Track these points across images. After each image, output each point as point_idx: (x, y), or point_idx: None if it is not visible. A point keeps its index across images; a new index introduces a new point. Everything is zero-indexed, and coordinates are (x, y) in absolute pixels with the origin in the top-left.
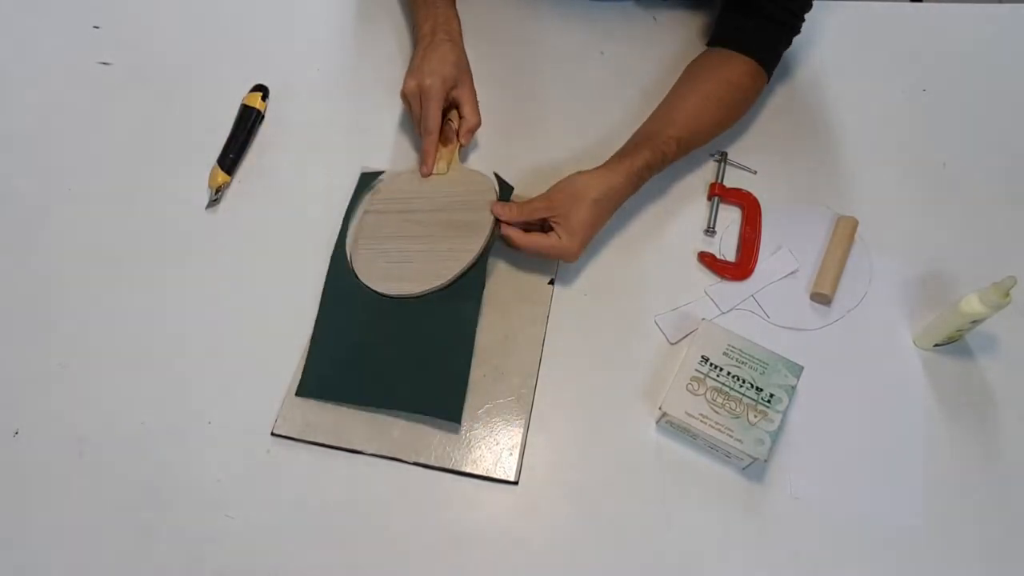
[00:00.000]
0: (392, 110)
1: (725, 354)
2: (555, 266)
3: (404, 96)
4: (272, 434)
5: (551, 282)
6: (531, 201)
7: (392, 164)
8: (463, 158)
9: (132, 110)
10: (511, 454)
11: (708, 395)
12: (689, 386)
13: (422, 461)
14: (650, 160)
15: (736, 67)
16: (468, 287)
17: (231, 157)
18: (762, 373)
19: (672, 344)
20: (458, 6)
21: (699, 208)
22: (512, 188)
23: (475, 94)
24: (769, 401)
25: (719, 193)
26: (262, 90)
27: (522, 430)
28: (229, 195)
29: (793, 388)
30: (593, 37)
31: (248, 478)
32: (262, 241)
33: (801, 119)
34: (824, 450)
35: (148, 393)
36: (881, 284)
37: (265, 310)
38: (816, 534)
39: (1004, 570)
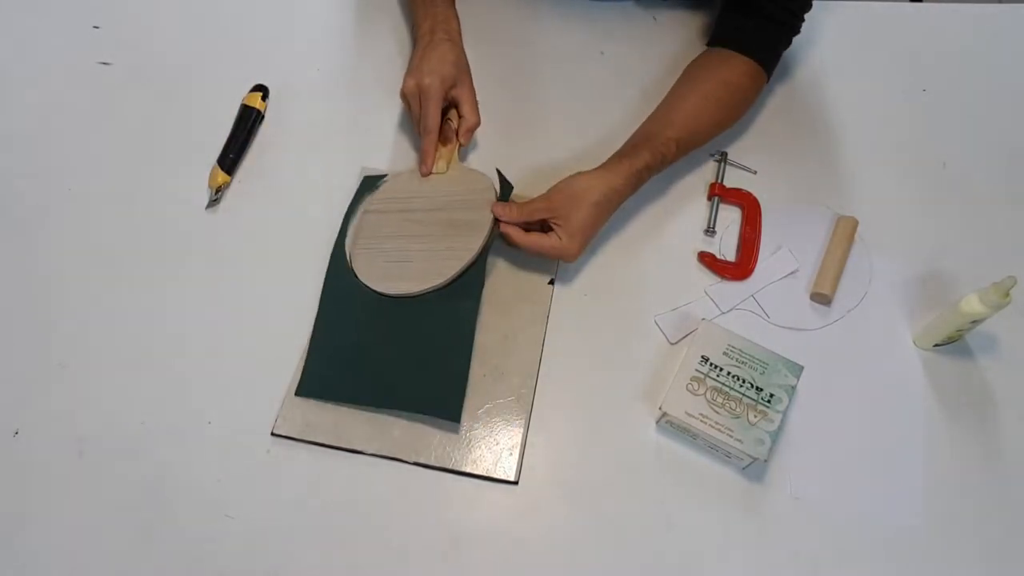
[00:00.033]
0: (392, 110)
1: (725, 354)
2: (555, 266)
3: (403, 96)
4: (272, 434)
5: (551, 282)
6: (531, 202)
7: (392, 164)
8: (463, 157)
9: (132, 110)
10: (511, 454)
11: (708, 395)
12: (689, 386)
13: (422, 461)
14: (650, 161)
15: (736, 67)
16: (467, 286)
17: (231, 157)
18: (762, 373)
19: (672, 344)
20: (458, 6)
21: (699, 208)
22: (512, 187)
23: (474, 93)
24: (769, 401)
25: (719, 193)
26: (262, 90)
27: (522, 430)
28: (229, 195)
29: (793, 388)
30: (593, 37)
31: (248, 478)
32: (262, 241)
33: (801, 119)
34: (824, 450)
35: (148, 393)
36: (881, 284)
37: (265, 310)
38: (816, 534)
39: (1004, 570)
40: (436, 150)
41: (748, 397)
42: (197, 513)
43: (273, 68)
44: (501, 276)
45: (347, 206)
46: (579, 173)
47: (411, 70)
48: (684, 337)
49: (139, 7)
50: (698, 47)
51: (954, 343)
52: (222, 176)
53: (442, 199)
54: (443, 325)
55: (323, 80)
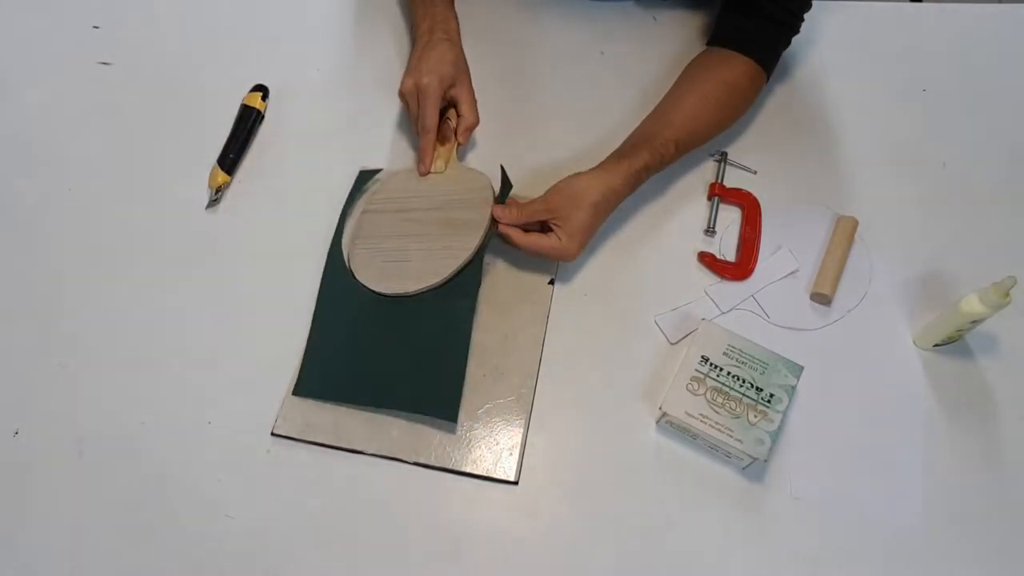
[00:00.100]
0: (391, 110)
1: (725, 354)
2: (555, 266)
3: (402, 95)
4: (272, 434)
5: (551, 282)
6: (530, 203)
7: (391, 163)
8: (461, 157)
9: (132, 110)
10: (511, 454)
11: (708, 395)
12: (689, 386)
13: (422, 461)
14: (648, 161)
15: (735, 67)
16: (464, 285)
17: (231, 157)
18: (762, 373)
19: (672, 344)
20: (458, 6)
21: (699, 208)
22: (512, 186)
23: (473, 93)
24: (769, 401)
25: (719, 193)
26: (262, 90)
27: (522, 430)
28: (229, 195)
29: (793, 388)
30: (593, 37)
31: (248, 478)
32: (262, 241)
33: (801, 119)
34: (824, 450)
35: (148, 393)
36: (881, 284)
37: (265, 310)
38: (816, 534)
39: (1004, 570)
40: (434, 149)
41: (748, 397)
42: (197, 513)
43: (273, 68)
44: (501, 276)
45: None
46: (577, 173)
47: (410, 69)
48: (684, 337)
49: (139, 7)
50: (698, 47)
51: (954, 343)
52: (222, 176)
53: (440, 198)
54: (440, 324)
55: (323, 80)
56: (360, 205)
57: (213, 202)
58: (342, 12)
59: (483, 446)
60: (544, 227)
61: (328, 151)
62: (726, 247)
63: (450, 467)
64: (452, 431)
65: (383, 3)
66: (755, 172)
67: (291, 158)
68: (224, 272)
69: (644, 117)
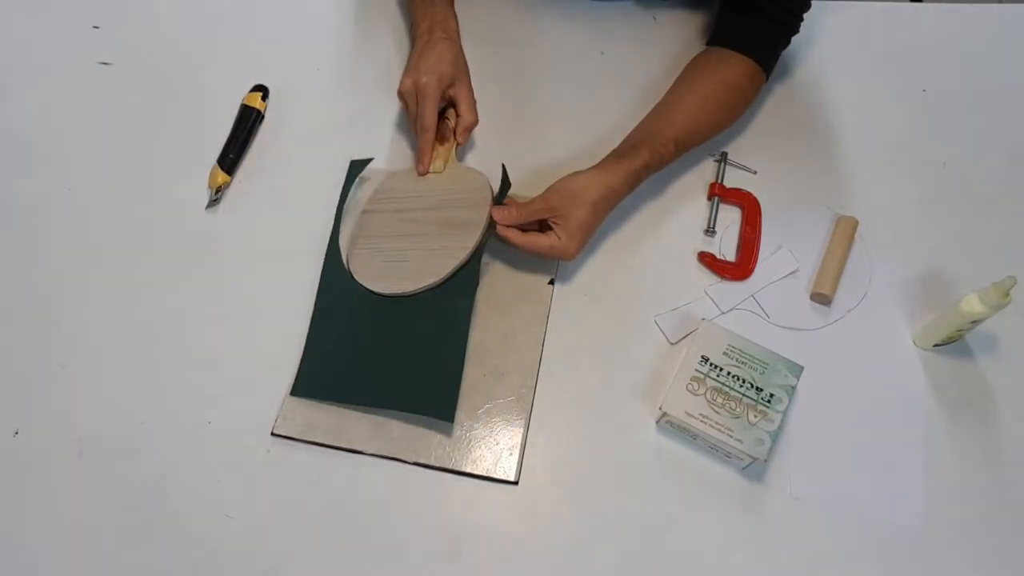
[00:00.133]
0: (391, 110)
1: (725, 354)
2: (555, 266)
3: (401, 94)
4: (272, 434)
5: (551, 282)
6: (529, 202)
7: (390, 163)
8: (460, 157)
9: (132, 110)
10: (511, 454)
11: (708, 395)
12: (689, 386)
13: (422, 461)
14: (648, 161)
15: (735, 67)
16: (461, 284)
17: (231, 157)
18: (762, 373)
19: (672, 344)
20: (457, 6)
21: (699, 208)
22: (510, 185)
23: (472, 93)
24: (769, 401)
25: (719, 193)
26: (262, 90)
27: (522, 430)
28: (229, 195)
29: (793, 388)
30: (593, 37)
31: (248, 478)
32: (262, 241)
33: (801, 119)
34: (824, 450)
35: (148, 393)
36: (881, 284)
37: (265, 310)
38: (816, 534)
39: (1004, 570)
40: (433, 149)
41: (748, 397)
42: (197, 513)
43: (273, 68)
44: (501, 276)
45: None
46: (577, 172)
47: (409, 69)
48: (684, 337)
49: (139, 7)
50: (698, 47)
51: (954, 343)
52: (222, 176)
53: (438, 198)
54: (437, 324)
55: (323, 80)
56: (358, 204)
57: (213, 202)
58: (342, 12)
59: (483, 446)
60: (543, 226)
61: (328, 151)
62: (726, 247)
63: (450, 467)
64: (449, 432)
65: (383, 3)
66: (755, 172)
67: (291, 158)
68: (224, 272)
69: (644, 117)
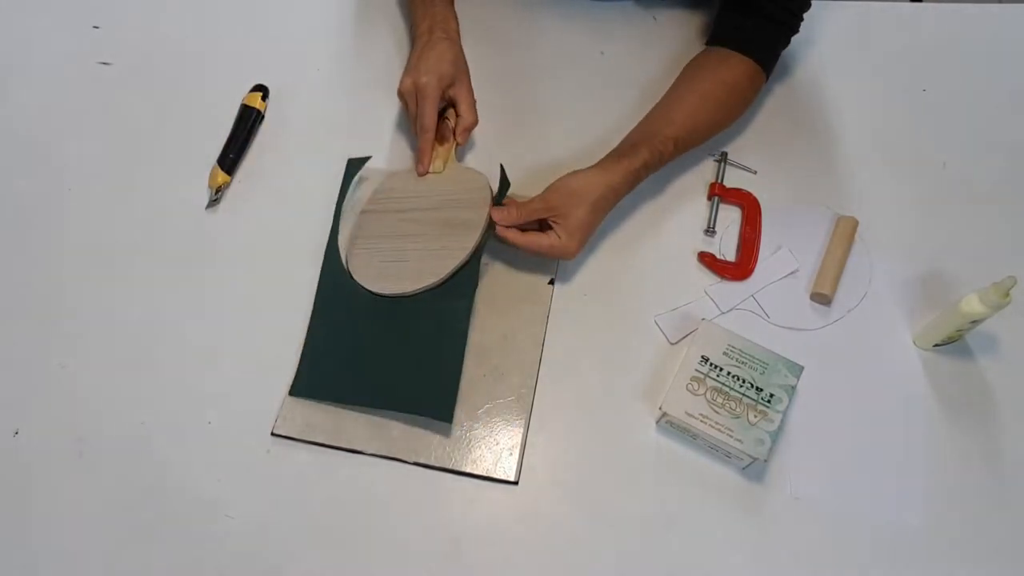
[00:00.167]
0: (391, 110)
1: (725, 354)
2: (555, 266)
3: (400, 94)
4: (272, 434)
5: (551, 282)
6: (529, 201)
7: (390, 163)
8: (460, 157)
9: (132, 110)
10: (511, 454)
11: (708, 395)
12: (689, 386)
13: (422, 461)
14: (648, 160)
15: (734, 67)
16: (461, 285)
17: (231, 157)
18: (762, 373)
19: (672, 344)
20: (457, 6)
21: (699, 208)
22: (509, 184)
23: (472, 93)
24: (769, 401)
25: (719, 193)
26: (262, 90)
27: (522, 430)
28: (229, 195)
29: (793, 388)
30: (593, 37)
31: (248, 478)
32: (262, 241)
33: (801, 119)
34: (824, 450)
35: (148, 393)
36: (881, 284)
37: (265, 310)
38: (816, 534)
39: (1004, 570)
40: (433, 149)
41: (748, 397)
42: (197, 513)
43: (273, 68)
44: (501, 276)
45: (343, 203)
46: (576, 171)
47: (408, 69)
48: (684, 337)
49: (139, 7)
50: (697, 47)
51: (954, 343)
52: (222, 176)
53: (438, 198)
54: (436, 324)
55: (323, 80)
56: (358, 204)
57: (213, 202)
58: (342, 12)
59: (483, 446)
60: (543, 226)
61: (328, 151)
62: (726, 247)
63: (450, 467)
64: (447, 432)
65: (383, 3)
66: (755, 172)
67: (291, 158)
68: (224, 272)
69: (643, 116)
